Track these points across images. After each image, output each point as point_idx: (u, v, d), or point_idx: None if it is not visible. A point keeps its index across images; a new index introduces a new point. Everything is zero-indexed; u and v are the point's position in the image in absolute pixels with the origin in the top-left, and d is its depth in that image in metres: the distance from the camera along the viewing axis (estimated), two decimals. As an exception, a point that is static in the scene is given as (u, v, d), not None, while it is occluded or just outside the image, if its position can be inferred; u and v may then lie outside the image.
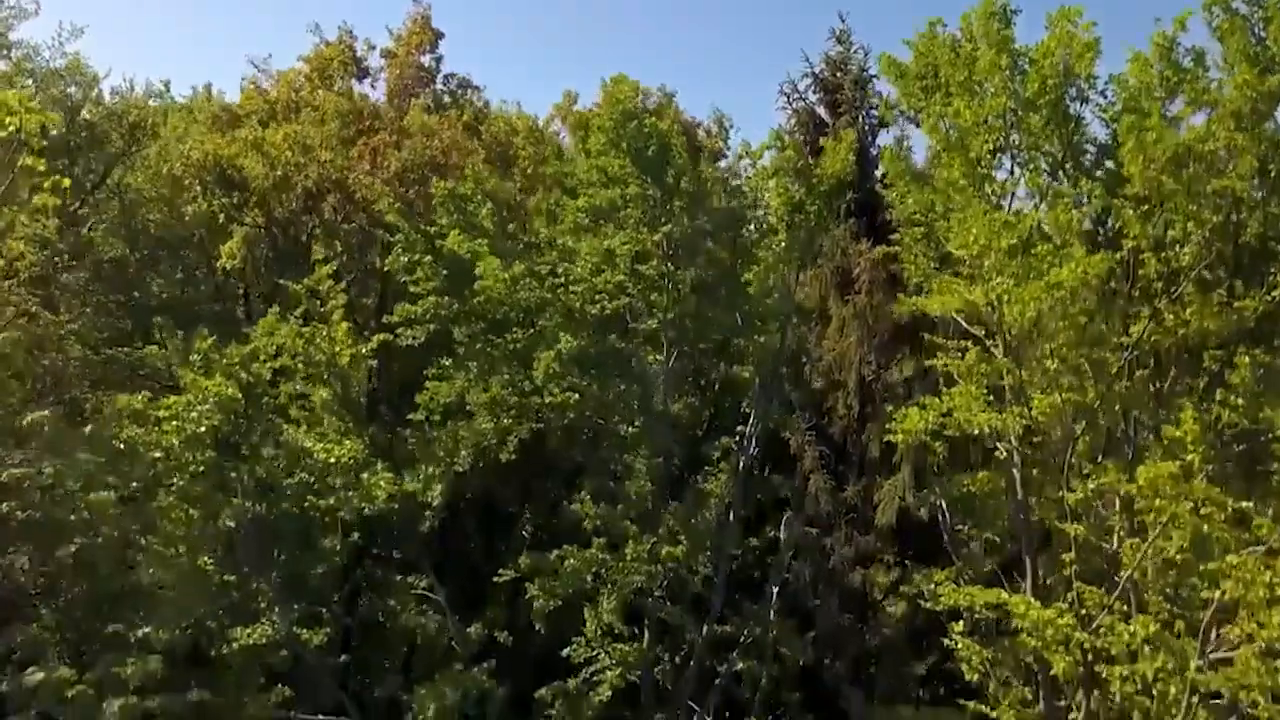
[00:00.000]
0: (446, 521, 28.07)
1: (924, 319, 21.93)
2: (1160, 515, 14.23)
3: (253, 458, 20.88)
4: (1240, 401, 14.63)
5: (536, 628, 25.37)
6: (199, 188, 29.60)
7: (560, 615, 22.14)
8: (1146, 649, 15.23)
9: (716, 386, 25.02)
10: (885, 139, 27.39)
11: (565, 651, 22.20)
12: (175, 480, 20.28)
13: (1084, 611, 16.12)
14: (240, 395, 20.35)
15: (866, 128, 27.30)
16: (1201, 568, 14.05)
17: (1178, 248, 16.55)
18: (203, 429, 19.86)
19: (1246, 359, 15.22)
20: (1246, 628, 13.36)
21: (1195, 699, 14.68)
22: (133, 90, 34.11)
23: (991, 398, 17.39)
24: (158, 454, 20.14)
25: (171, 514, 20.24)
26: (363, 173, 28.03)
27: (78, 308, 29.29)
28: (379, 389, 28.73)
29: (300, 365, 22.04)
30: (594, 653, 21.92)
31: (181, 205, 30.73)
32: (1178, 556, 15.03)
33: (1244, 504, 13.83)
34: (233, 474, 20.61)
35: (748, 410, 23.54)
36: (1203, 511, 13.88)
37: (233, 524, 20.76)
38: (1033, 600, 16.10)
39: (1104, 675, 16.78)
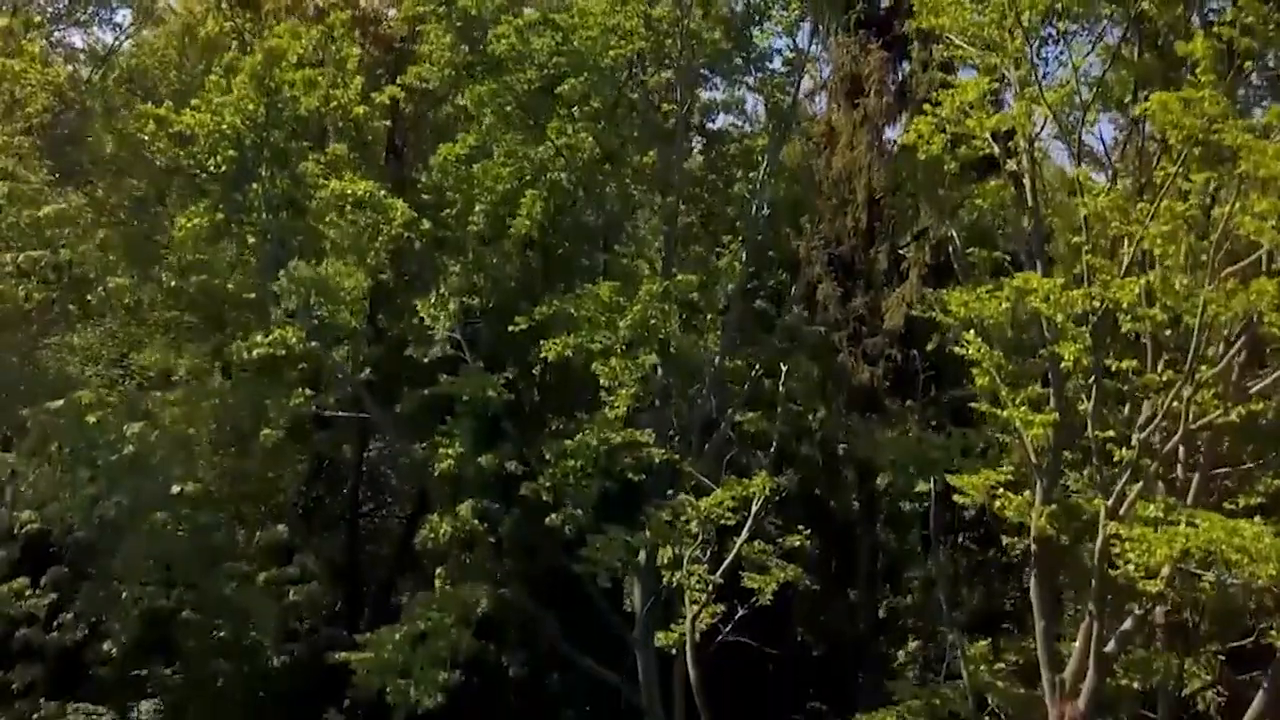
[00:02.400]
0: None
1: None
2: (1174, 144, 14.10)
3: (271, 173, 20.62)
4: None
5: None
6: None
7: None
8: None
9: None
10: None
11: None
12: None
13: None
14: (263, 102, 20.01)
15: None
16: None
17: None
18: (225, 124, 19.65)
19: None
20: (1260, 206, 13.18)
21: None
22: None
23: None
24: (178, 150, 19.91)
25: (186, 222, 19.91)
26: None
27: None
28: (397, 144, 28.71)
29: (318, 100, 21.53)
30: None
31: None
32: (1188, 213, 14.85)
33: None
34: (253, 184, 20.42)
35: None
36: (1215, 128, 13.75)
37: (251, 238, 20.60)
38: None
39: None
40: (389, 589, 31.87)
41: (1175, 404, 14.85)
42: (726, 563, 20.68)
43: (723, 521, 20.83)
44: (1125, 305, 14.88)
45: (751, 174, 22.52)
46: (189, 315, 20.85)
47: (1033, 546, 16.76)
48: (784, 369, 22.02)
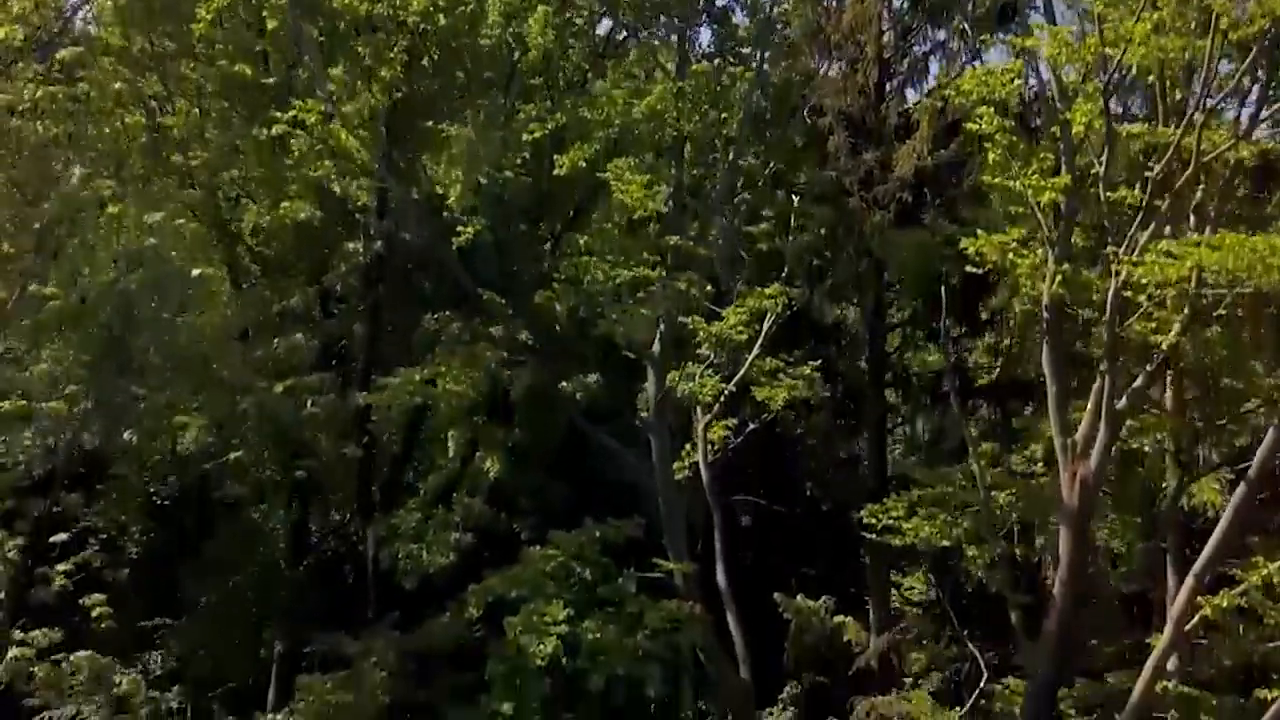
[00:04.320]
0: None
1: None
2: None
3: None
4: None
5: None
6: None
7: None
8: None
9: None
10: None
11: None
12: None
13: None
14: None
15: None
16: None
17: None
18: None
19: None
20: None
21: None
22: None
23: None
24: None
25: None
26: None
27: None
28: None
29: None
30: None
31: None
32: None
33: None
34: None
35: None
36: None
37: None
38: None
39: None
40: (401, 467, 31.94)
41: (1186, 139, 14.99)
42: (739, 375, 20.79)
43: (734, 340, 20.99)
44: (1138, 41, 14.96)
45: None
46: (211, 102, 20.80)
47: (1044, 313, 16.94)
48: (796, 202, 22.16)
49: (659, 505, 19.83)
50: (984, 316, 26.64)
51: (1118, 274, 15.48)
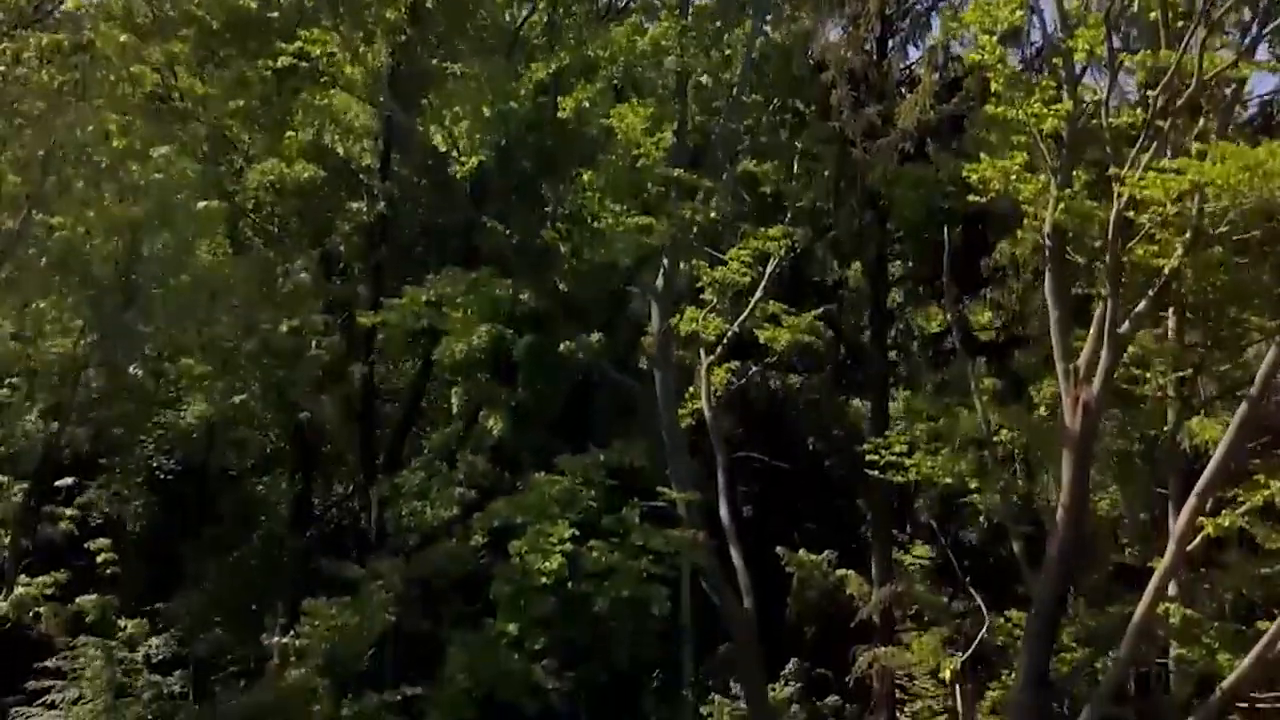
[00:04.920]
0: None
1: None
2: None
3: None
4: None
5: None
6: None
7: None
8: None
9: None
10: None
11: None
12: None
13: None
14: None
15: None
16: None
17: None
18: None
19: None
20: None
21: None
22: None
23: None
24: None
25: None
26: None
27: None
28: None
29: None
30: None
31: None
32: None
33: None
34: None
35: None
36: None
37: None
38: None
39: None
40: (404, 434, 32.01)
41: (1188, 56, 15.06)
42: (743, 317, 20.87)
43: (737, 283, 21.08)
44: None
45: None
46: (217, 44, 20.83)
47: (1046, 240, 17.00)
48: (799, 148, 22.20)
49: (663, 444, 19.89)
50: (985, 273, 26.77)
51: (1120, 195, 15.55)
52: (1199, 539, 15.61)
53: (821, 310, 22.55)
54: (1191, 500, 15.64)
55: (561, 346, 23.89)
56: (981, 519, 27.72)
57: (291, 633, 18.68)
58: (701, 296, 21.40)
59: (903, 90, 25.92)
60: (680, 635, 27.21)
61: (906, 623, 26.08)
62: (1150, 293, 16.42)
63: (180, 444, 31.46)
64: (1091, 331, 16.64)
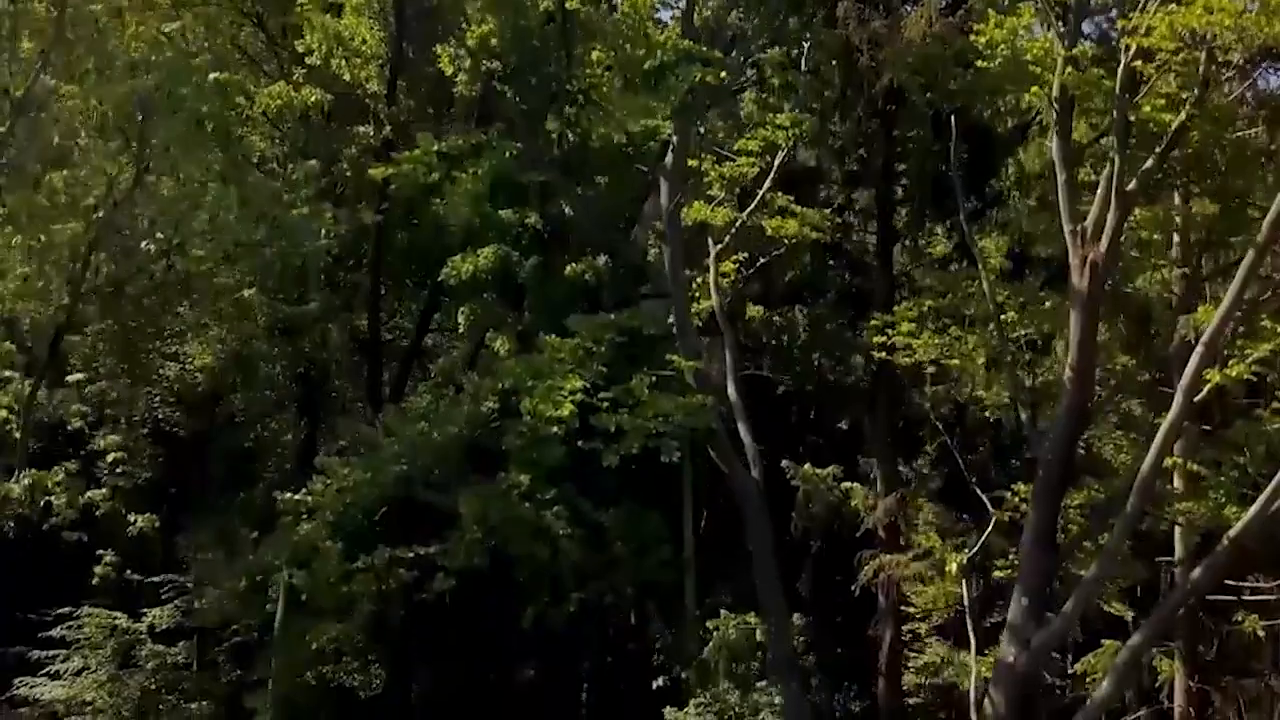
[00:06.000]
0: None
1: None
2: None
3: None
4: None
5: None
6: None
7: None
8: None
9: None
10: None
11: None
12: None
13: None
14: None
15: None
16: None
17: None
18: None
19: None
20: None
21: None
22: None
23: None
24: None
25: None
26: None
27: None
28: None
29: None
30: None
31: None
32: None
33: None
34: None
35: None
36: None
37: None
38: None
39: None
40: (409, 364, 32.07)
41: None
42: (750, 208, 20.99)
43: (745, 177, 21.20)
44: None
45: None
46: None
47: (1054, 104, 17.10)
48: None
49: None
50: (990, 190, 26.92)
51: (1128, 48, 15.68)
52: (1206, 390, 15.69)
53: (830, 211, 22.58)
54: (1199, 349, 15.71)
55: (568, 269, 24.00)
56: (989, 441, 27.94)
57: (304, 490, 18.75)
58: (709, 193, 21.51)
59: (908, 6, 26.07)
60: (682, 564, 27.33)
61: (912, 537, 26.17)
62: (1158, 149, 16.49)
63: (185, 393, 31.71)
64: (1099, 192, 16.77)
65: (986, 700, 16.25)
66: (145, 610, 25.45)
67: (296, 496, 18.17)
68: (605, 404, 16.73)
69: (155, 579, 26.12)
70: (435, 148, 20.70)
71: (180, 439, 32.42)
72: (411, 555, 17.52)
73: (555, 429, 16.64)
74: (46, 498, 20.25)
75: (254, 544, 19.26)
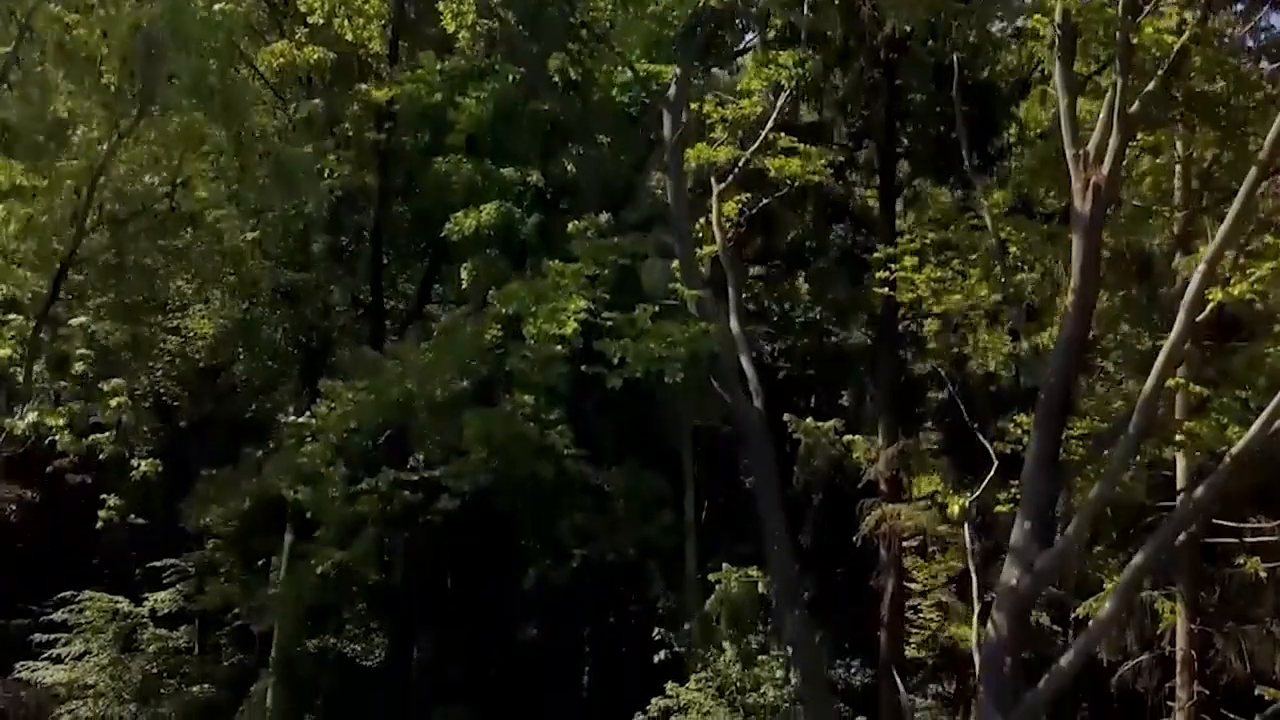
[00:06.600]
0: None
1: None
2: None
3: None
4: None
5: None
6: None
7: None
8: None
9: None
10: None
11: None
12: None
13: None
14: None
15: None
16: None
17: None
18: None
19: None
20: None
21: None
22: None
23: None
24: None
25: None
26: None
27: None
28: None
29: None
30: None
31: None
32: None
33: None
34: None
35: None
36: None
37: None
38: None
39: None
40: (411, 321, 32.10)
41: None
42: (753, 148, 21.00)
43: (748, 119, 21.20)
44: None
45: None
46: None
47: (1057, 29, 17.12)
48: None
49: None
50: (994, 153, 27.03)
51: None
52: (1209, 309, 15.68)
53: (832, 157, 22.60)
54: (1201, 267, 15.69)
55: (571, 226, 24.05)
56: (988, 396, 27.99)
57: (308, 413, 18.77)
58: (711, 135, 21.54)
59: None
60: (684, 528, 27.41)
61: (913, 493, 26.21)
62: (1160, 72, 16.49)
63: (185, 367, 31.76)
64: (1101, 116, 16.75)
65: (989, 623, 16.20)
66: (147, 595, 25.56)
67: (300, 420, 18.17)
68: (609, 324, 16.71)
69: (157, 564, 26.25)
70: (439, 67, 20.62)
71: (180, 412, 32.52)
72: (416, 478, 17.53)
73: (559, 347, 16.64)
74: (51, 437, 20.25)
75: (258, 466, 19.27)
